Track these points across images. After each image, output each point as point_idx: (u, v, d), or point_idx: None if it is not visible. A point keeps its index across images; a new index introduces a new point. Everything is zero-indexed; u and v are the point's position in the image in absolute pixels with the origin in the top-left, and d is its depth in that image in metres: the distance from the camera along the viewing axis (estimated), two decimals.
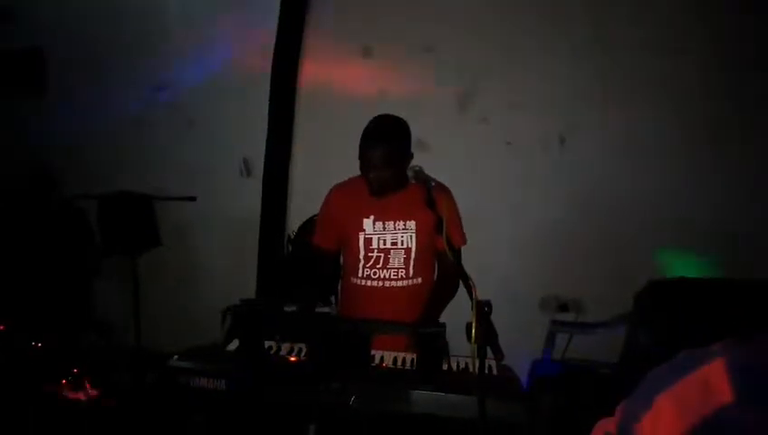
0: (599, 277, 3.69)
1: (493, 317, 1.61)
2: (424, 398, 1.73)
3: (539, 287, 3.85)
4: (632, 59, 3.57)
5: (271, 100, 3.91)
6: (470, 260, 2.20)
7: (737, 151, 3.50)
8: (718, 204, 3.53)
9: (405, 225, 2.46)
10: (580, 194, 3.72)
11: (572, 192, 3.72)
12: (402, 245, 2.46)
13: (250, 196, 3.99)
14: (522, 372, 2.36)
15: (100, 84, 4.29)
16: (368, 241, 2.45)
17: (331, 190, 2.56)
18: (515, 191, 3.79)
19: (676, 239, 3.59)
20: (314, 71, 3.94)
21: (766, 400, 0.63)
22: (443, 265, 2.59)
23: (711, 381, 0.67)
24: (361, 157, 2.34)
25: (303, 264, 2.79)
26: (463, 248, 2.53)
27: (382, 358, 2.01)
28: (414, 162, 2.30)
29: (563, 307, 3.80)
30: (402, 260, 2.47)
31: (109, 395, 2.03)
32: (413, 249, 2.47)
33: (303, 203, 3.58)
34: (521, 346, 2.71)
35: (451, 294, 2.45)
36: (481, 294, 1.60)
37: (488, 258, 3.38)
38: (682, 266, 3.38)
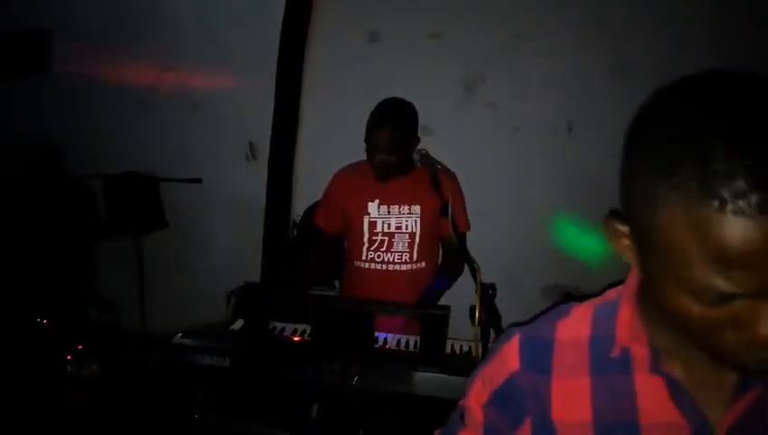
0: (603, 266, 3.67)
1: (496, 305, 1.61)
2: (426, 380, 1.73)
3: (543, 276, 3.84)
4: (640, 46, 3.54)
5: (277, 84, 3.89)
6: (474, 247, 2.20)
7: None
8: None
9: (410, 209, 2.46)
10: (587, 182, 3.69)
11: (579, 180, 3.70)
12: (406, 229, 2.46)
13: (256, 180, 3.98)
14: None
15: (107, 66, 4.27)
16: (372, 224, 2.45)
17: (336, 174, 2.56)
18: (521, 178, 3.78)
19: None
20: (321, 56, 3.92)
21: (542, 365, 0.77)
22: (447, 251, 2.59)
23: (506, 355, 0.81)
24: (368, 140, 2.34)
25: (307, 247, 2.80)
26: (467, 235, 2.53)
27: (386, 340, 2.02)
28: (420, 147, 2.30)
29: (567, 296, 3.79)
30: (406, 244, 2.47)
31: (113, 372, 2.05)
32: (417, 233, 2.47)
33: (309, 188, 3.57)
34: None
35: (453, 278, 2.45)
36: (485, 280, 1.60)
37: (492, 245, 3.37)
38: None
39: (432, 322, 1.78)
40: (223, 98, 4.11)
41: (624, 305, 0.76)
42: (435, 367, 1.74)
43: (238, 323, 2.10)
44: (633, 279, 0.76)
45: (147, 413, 2.02)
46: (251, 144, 4.13)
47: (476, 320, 1.51)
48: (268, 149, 3.97)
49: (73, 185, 3.46)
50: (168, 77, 4.22)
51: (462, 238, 2.43)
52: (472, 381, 0.85)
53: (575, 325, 0.78)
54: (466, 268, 1.78)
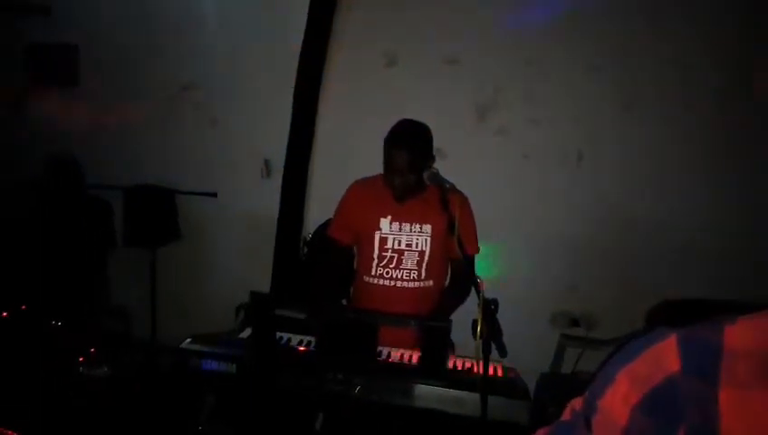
0: (611, 294, 3.69)
1: (503, 330, 1.62)
2: (427, 392, 1.76)
3: (550, 302, 3.86)
4: (651, 74, 3.60)
5: (294, 103, 3.99)
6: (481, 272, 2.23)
7: (760, 167, 3.50)
8: (736, 223, 3.52)
9: (421, 228, 2.50)
10: (595, 210, 3.74)
11: (588, 208, 3.74)
12: (416, 247, 2.50)
13: (269, 196, 4.06)
14: (531, 386, 2.37)
15: (130, 81, 4.41)
16: (383, 240, 2.49)
17: (352, 185, 2.61)
18: (530, 204, 3.82)
19: (691, 257, 3.58)
20: (338, 77, 4.02)
21: (707, 370, 0.69)
22: (456, 271, 2.63)
23: (662, 354, 0.73)
24: (386, 161, 2.38)
25: (319, 262, 2.84)
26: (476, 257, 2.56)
27: (389, 354, 2.06)
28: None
29: (574, 322, 3.80)
30: (415, 262, 2.51)
31: (124, 374, 2.10)
32: (426, 252, 2.51)
33: (321, 207, 3.64)
34: (530, 360, 2.73)
35: (461, 298, 2.48)
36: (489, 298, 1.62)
37: (498, 272, 3.41)
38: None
39: (434, 334, 1.81)
40: (241, 115, 4.21)
41: None
42: (436, 380, 1.77)
43: (246, 332, 2.15)
44: None
45: (154, 416, 2.06)
46: (266, 161, 4.22)
47: (478, 334, 1.53)
48: (283, 167, 4.05)
49: (90, 196, 3.55)
50: (188, 94, 4.34)
51: (469, 260, 2.46)
52: (613, 378, 0.76)
53: (748, 333, 0.70)
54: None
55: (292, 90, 3.99)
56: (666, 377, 0.71)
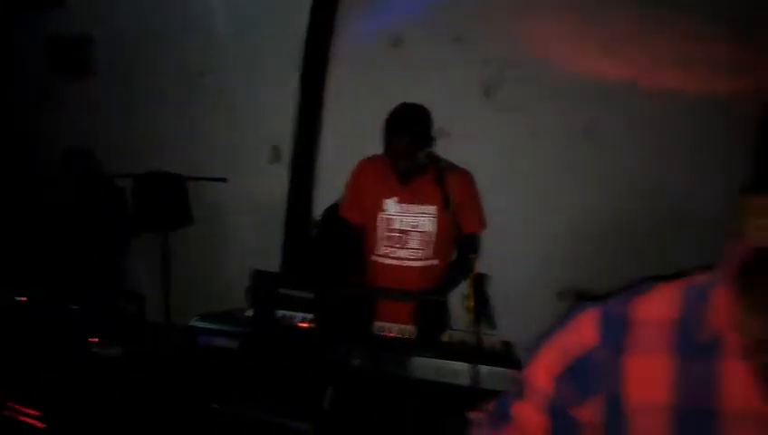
0: (618, 268, 3.66)
1: (509, 309, 1.65)
2: (423, 364, 1.81)
3: (558, 278, 3.86)
4: (661, 47, 3.55)
5: (301, 88, 4.02)
6: (489, 249, 2.26)
7: None
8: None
9: (425, 208, 2.53)
10: (605, 185, 3.72)
11: (597, 183, 3.72)
12: (421, 227, 2.53)
13: (278, 180, 4.11)
14: None
15: (144, 70, 4.47)
16: (389, 221, 2.54)
17: (359, 163, 2.65)
18: (538, 181, 3.81)
19: (700, 233, 3.56)
20: (344, 60, 4.04)
21: (619, 340, 0.75)
22: (459, 247, 2.65)
23: (584, 328, 0.79)
24: (387, 145, 2.41)
25: (332, 242, 2.88)
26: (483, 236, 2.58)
27: (387, 327, 2.10)
28: (439, 150, 2.36)
29: (582, 297, 3.79)
30: (421, 242, 2.54)
31: (135, 355, 2.18)
32: (432, 232, 2.54)
33: (329, 189, 3.68)
34: (537, 334, 2.75)
35: (463, 275, 2.50)
36: (501, 284, 1.66)
37: (507, 247, 3.42)
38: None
39: (430, 309, 1.85)
40: (249, 102, 4.25)
41: (720, 289, 0.72)
42: (431, 352, 1.82)
43: (251, 311, 2.22)
44: (734, 262, 0.72)
45: (165, 395, 2.15)
46: (275, 146, 4.27)
47: (468, 306, 1.57)
48: (291, 152, 4.09)
49: (103, 184, 3.65)
50: (199, 82, 4.39)
51: (467, 237, 2.48)
52: (540, 351, 0.83)
53: (658, 305, 0.75)
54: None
55: (298, 74, 4.02)
56: (586, 349, 0.77)
